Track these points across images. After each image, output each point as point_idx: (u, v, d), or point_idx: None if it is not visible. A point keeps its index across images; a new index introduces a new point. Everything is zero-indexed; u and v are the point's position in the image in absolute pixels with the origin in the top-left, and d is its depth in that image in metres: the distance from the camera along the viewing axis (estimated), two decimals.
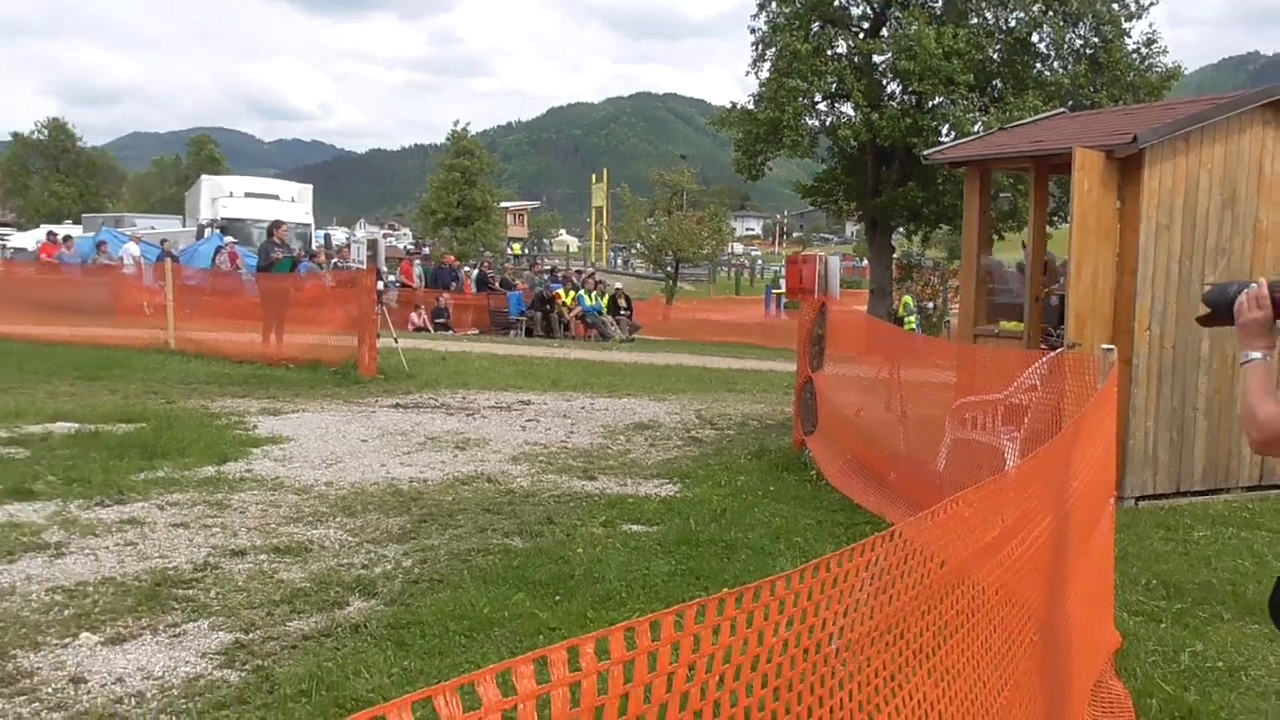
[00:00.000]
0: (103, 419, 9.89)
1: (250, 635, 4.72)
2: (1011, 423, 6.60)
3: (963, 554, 2.06)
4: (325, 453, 9.01)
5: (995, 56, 27.52)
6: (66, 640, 4.59)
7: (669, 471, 8.74)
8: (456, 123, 58.96)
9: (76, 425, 9.56)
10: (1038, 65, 27.91)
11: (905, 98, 27.89)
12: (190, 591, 5.28)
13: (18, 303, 18.25)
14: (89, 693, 4.10)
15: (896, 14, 27.88)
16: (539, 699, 0.91)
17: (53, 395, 11.47)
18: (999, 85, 27.68)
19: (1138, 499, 8.01)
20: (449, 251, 41.39)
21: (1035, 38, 27.68)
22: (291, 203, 31.31)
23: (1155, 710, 4.13)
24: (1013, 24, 27.69)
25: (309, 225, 31.36)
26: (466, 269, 33.23)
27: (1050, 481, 2.80)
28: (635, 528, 6.82)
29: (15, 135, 59.72)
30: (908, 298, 33.42)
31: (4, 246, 33.75)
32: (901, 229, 30.82)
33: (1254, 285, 2.49)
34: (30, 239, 33.59)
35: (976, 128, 23.98)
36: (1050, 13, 27.03)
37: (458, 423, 10.97)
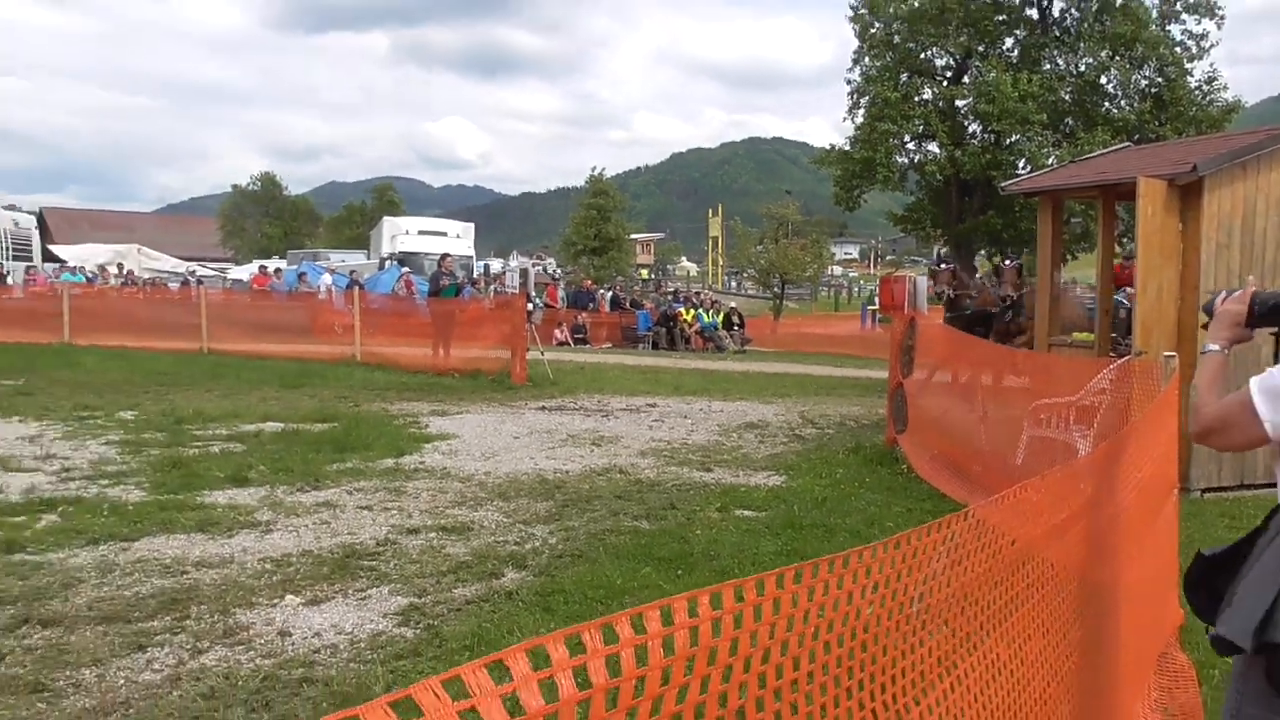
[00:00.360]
0: (302, 419, 10.26)
1: (423, 599, 4.85)
2: (1083, 422, 6.38)
3: (1031, 534, 2.03)
4: (484, 448, 9.19)
5: (1067, 98, 26.70)
6: (275, 601, 4.79)
7: (776, 464, 8.68)
8: (594, 168, 59.59)
9: (282, 425, 9.94)
10: (1106, 104, 26.98)
11: (985, 136, 27.23)
12: (373, 563, 5.44)
13: (235, 324, 19.07)
14: (293, 644, 4.27)
15: (976, 64, 27.27)
16: (664, 639, 0.94)
17: (263, 400, 11.95)
18: (1070, 123, 26.84)
19: (1203, 491, 7.65)
20: (587, 277, 41.80)
21: (1104, 80, 26.75)
22: (457, 238, 32.01)
23: (1217, 679, 3.94)
24: (1083, 68, 26.81)
25: (471, 257, 32.02)
26: (602, 292, 33.51)
27: (1113, 472, 2.71)
28: (746, 513, 6.80)
29: (234, 187, 62.07)
30: None
31: (224, 278, 35.26)
32: (983, 251, 30.05)
33: (1242, 290, 2.36)
34: (245, 272, 34.99)
35: (1050, 161, 23.23)
36: (1117, 57, 26.09)
37: (594, 423, 11.07)
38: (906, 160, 28.72)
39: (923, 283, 9.68)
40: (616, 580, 5.07)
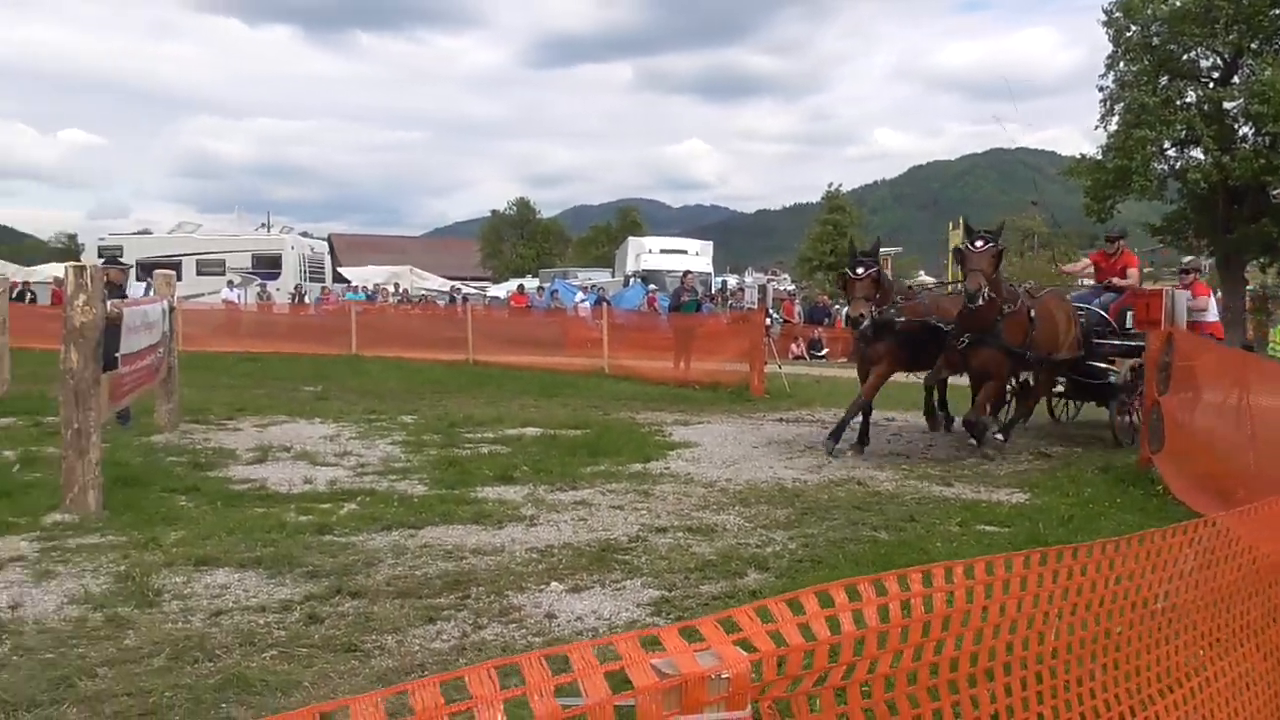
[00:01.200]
0: (559, 426, 10.87)
1: (672, 593, 5.11)
2: None
3: None
4: (724, 456, 9.40)
5: None
6: (541, 587, 5.19)
7: (1019, 481, 8.39)
8: (830, 184, 59.19)
9: (540, 430, 10.59)
10: None
11: (1259, 139, 24.86)
12: (626, 557, 5.76)
13: (496, 338, 20.35)
14: (558, 625, 4.64)
15: (1249, 62, 24.98)
16: (925, 598, 1.09)
17: (523, 407, 12.74)
18: None
19: None
20: (823, 292, 41.39)
21: None
22: (696, 256, 32.60)
23: None
24: None
25: (709, 274, 32.52)
26: (837, 307, 33.09)
27: None
28: (988, 528, 6.65)
29: (493, 212, 65.97)
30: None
31: (484, 296, 37.53)
32: (1256, 261, 27.46)
33: None
34: (502, 290, 37.10)
35: None
36: None
37: None
38: (1166, 168, 26.71)
39: (1181, 296, 9.05)
40: None
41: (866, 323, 9.14)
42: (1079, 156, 28.51)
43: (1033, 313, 9.44)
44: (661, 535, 6.27)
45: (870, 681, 1.03)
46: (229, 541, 5.79)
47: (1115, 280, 10.86)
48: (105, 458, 6.84)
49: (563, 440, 9.87)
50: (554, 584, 5.23)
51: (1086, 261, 11.48)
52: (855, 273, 9.08)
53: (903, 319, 9.37)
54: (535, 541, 6.08)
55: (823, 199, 58.23)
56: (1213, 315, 11.66)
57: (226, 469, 8.22)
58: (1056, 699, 1.32)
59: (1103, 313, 10.61)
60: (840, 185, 58.38)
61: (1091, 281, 11.52)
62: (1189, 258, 12.73)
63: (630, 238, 37.71)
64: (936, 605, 1.09)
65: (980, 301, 8.73)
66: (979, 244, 8.93)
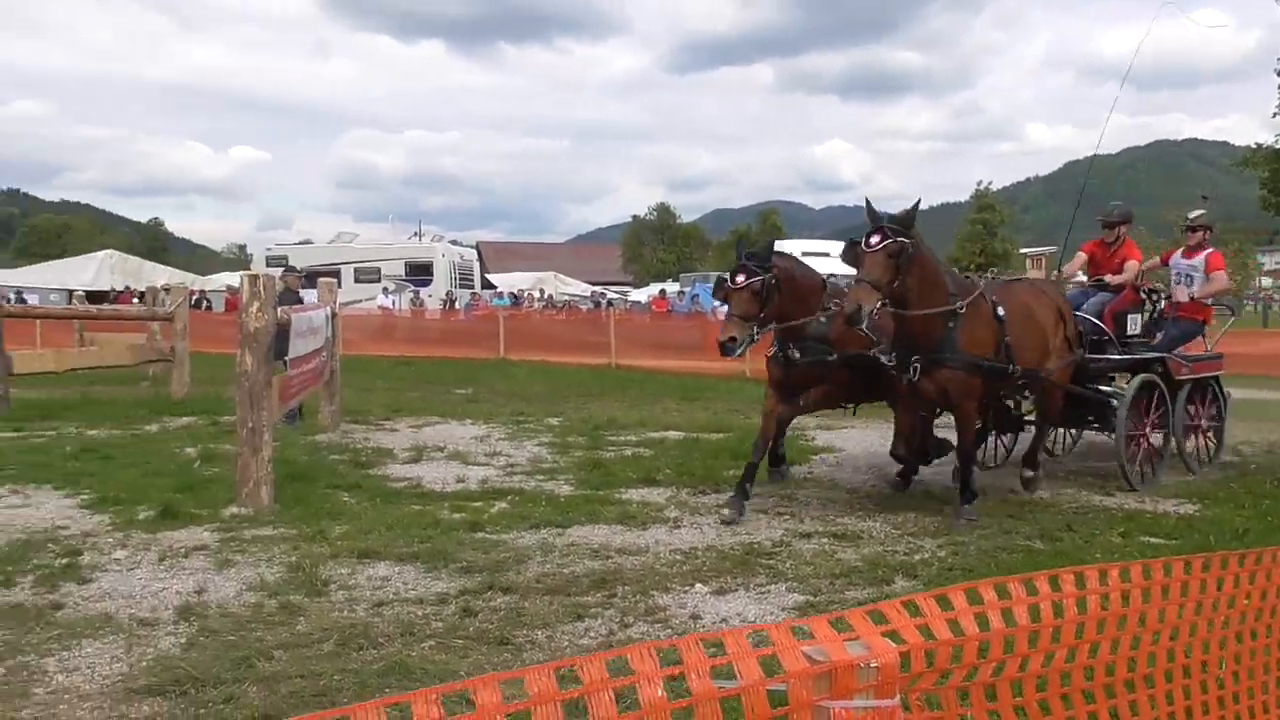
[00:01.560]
0: (700, 429, 10.94)
1: (817, 598, 5.07)
2: None
3: None
4: (868, 461, 9.29)
5: None
6: (686, 588, 5.25)
7: (1188, 492, 7.94)
8: (979, 182, 57.31)
9: (683, 433, 10.68)
10: None
11: None
12: (771, 561, 5.77)
13: (638, 342, 20.59)
14: (703, 626, 4.68)
15: None
16: (1078, 600, 1.08)
17: (664, 411, 12.87)
18: None
19: None
20: None
21: None
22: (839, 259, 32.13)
23: None
24: None
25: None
26: None
27: None
28: (1152, 540, 6.33)
29: (634, 217, 66.90)
30: None
31: (625, 300, 37.99)
32: None
33: None
34: (643, 294, 37.51)
35: None
36: None
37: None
38: None
39: None
40: None
41: (739, 350, 6.70)
42: (1254, 146, 26.80)
43: (1000, 310, 7.03)
44: (806, 540, 6.24)
45: (1021, 680, 1.03)
46: (389, 536, 6.08)
47: (1109, 278, 8.65)
48: (275, 455, 7.28)
49: (704, 443, 9.92)
50: (698, 585, 5.28)
51: (1084, 257, 9.10)
52: (734, 281, 6.68)
53: (834, 356, 7.15)
54: (679, 543, 6.15)
55: (971, 198, 56.58)
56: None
57: (385, 467, 8.62)
58: (1225, 710, 1.28)
59: (1095, 320, 8.41)
60: (990, 183, 56.71)
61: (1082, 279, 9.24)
62: (1197, 212, 9.00)
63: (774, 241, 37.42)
64: (1090, 607, 1.08)
65: (863, 323, 6.30)
66: (875, 240, 6.31)
